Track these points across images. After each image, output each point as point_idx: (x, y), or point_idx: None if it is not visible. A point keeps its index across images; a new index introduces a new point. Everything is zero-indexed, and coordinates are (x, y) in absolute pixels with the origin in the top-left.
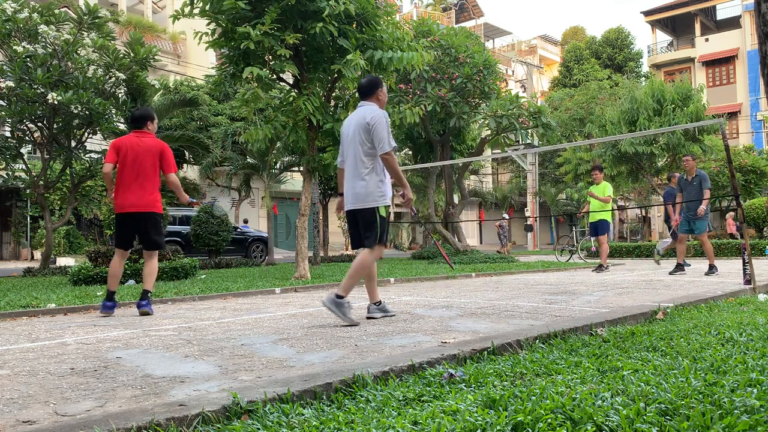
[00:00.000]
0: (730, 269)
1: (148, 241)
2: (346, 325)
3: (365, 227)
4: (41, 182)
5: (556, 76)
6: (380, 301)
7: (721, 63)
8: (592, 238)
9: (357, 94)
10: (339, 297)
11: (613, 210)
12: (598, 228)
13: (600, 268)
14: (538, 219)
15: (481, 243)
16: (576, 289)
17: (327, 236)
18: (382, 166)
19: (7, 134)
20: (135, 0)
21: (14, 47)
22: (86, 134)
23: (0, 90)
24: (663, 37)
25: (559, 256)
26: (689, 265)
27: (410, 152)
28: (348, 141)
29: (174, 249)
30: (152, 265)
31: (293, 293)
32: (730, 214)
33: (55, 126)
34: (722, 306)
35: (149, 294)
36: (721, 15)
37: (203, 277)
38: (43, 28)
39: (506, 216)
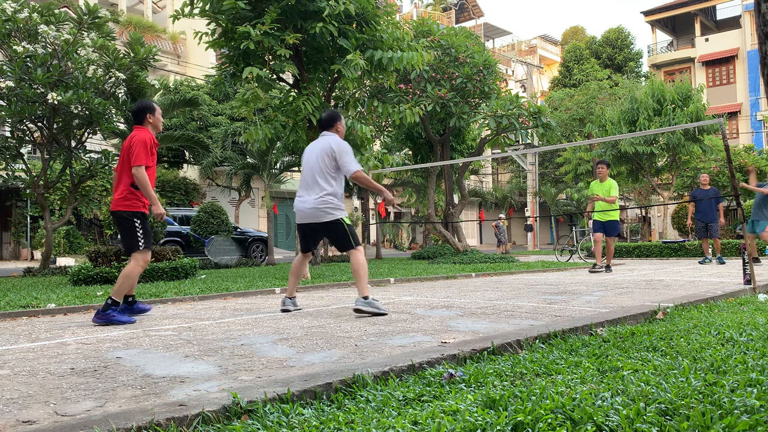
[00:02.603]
0: (730, 269)
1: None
2: (382, 315)
3: (338, 237)
4: (41, 182)
5: (556, 76)
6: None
7: (721, 63)
8: (591, 236)
9: (353, 99)
10: (365, 298)
11: (622, 208)
12: (608, 228)
13: (607, 268)
14: (538, 219)
15: (481, 243)
16: (576, 289)
17: None
18: (342, 187)
19: (7, 134)
20: (135, 0)
21: (14, 47)
22: (86, 134)
23: (0, 90)
24: (663, 37)
25: (559, 256)
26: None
27: (410, 152)
28: (311, 164)
29: (174, 249)
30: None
31: None
32: None
33: (55, 126)
34: (722, 306)
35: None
36: (721, 15)
37: (203, 277)
38: (43, 28)
39: (502, 216)
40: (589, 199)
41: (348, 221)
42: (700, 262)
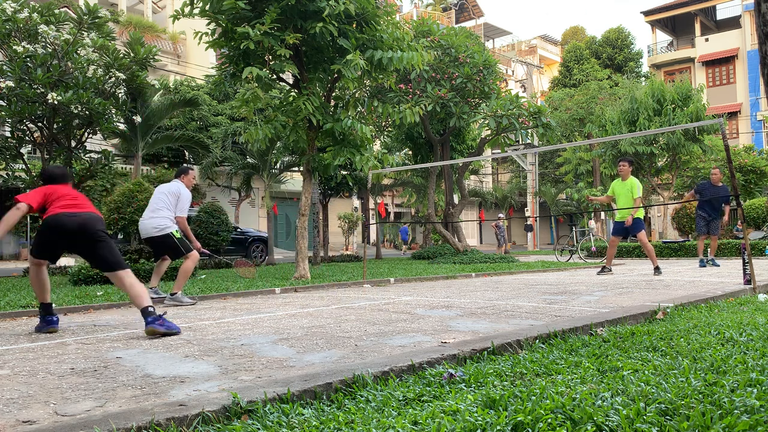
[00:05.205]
0: (730, 269)
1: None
2: (191, 305)
3: (169, 247)
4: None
5: (556, 76)
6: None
7: (721, 63)
8: (592, 238)
9: (353, 99)
10: (173, 294)
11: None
12: (629, 228)
13: (656, 270)
14: (538, 219)
15: (481, 243)
16: (576, 289)
17: (327, 236)
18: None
19: (7, 134)
20: (135, 0)
21: (14, 47)
22: (86, 134)
23: (0, 90)
24: (663, 37)
25: (559, 256)
26: None
27: (410, 152)
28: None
29: None
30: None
31: (293, 293)
32: None
33: (55, 126)
34: (722, 306)
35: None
36: (721, 15)
37: (203, 277)
38: (43, 28)
39: (501, 215)
40: (589, 198)
41: (178, 235)
42: (701, 266)
